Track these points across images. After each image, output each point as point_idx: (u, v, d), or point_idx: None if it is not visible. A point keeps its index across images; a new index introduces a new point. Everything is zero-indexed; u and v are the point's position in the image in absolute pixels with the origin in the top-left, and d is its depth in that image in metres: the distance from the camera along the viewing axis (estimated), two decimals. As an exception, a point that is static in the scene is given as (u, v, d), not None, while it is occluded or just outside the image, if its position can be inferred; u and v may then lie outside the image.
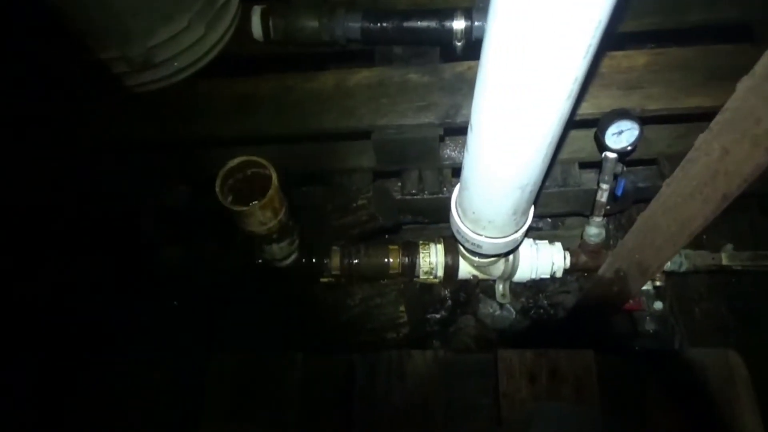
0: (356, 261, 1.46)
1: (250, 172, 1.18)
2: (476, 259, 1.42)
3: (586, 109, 1.39)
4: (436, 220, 1.66)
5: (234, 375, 1.30)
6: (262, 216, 1.19)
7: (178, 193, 1.55)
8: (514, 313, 1.93)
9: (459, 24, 1.47)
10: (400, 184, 1.59)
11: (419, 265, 1.48)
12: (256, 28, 1.52)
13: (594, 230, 1.48)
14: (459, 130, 1.47)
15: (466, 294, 1.99)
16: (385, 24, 1.49)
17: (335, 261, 1.45)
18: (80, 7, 1.29)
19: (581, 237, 1.53)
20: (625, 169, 1.37)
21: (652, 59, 1.44)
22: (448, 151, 1.55)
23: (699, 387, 1.25)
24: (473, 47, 1.48)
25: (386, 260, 1.47)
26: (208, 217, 1.47)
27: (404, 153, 1.49)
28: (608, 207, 1.45)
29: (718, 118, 0.81)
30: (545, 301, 1.95)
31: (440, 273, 1.49)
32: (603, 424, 1.19)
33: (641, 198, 1.59)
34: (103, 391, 1.31)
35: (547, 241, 1.52)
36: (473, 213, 1.16)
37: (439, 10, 1.50)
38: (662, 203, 1.01)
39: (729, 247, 1.52)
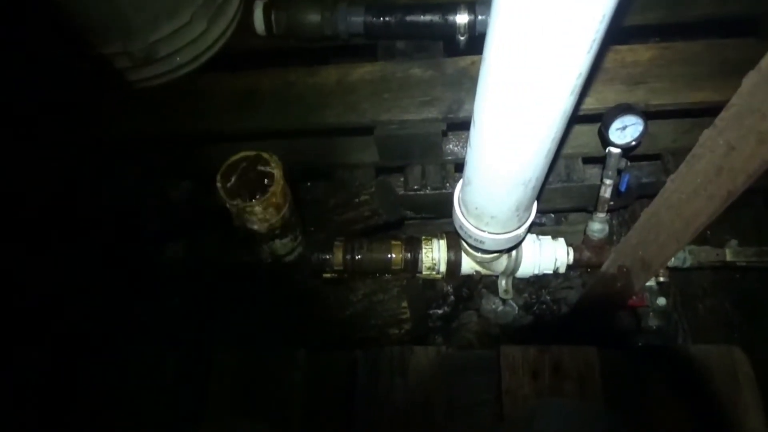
0: (359, 256, 1.46)
1: (253, 168, 1.18)
2: (479, 254, 1.42)
3: (590, 104, 1.38)
4: (438, 216, 1.66)
5: (236, 372, 1.29)
6: (266, 212, 1.18)
7: (180, 190, 1.55)
8: (517, 309, 1.93)
9: (462, 18, 1.46)
10: (402, 179, 1.58)
11: (422, 260, 1.48)
12: (259, 23, 1.52)
13: (597, 226, 1.48)
14: (462, 125, 1.47)
15: (469, 290, 1.99)
16: (387, 18, 1.49)
17: (338, 256, 1.45)
18: (82, 2, 1.29)
19: (584, 233, 1.53)
20: (629, 164, 1.36)
21: (656, 54, 1.43)
22: (451, 146, 1.55)
23: (702, 383, 1.25)
24: (477, 41, 1.47)
25: (389, 256, 1.47)
26: (210, 213, 1.47)
27: (407, 148, 1.49)
28: (612, 203, 1.44)
29: (724, 113, 0.80)
30: (548, 297, 1.95)
31: (443, 269, 1.49)
32: (606, 421, 1.19)
33: (645, 194, 1.58)
34: (103, 390, 1.31)
35: (550, 237, 1.51)
36: (476, 209, 1.15)
37: (442, 4, 1.49)
38: (666, 199, 1.00)
39: (733, 242, 1.51)
